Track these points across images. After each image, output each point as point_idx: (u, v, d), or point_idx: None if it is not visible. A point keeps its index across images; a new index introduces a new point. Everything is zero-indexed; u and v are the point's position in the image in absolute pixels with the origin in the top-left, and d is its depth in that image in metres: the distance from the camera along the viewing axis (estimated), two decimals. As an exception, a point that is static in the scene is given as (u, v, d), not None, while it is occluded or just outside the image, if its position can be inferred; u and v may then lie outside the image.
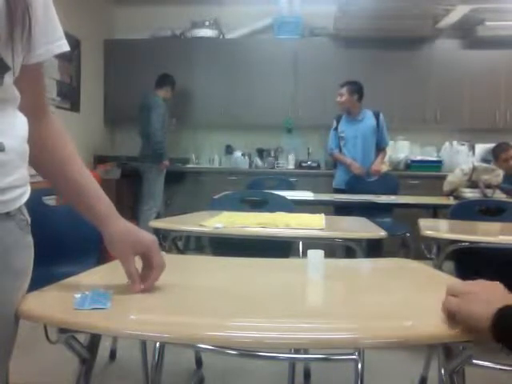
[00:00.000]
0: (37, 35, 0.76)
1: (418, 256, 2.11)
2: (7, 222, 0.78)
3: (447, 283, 0.79)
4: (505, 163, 3.81)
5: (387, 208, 3.66)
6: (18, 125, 0.79)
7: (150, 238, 0.95)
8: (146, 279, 0.93)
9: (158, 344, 1.34)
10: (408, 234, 3.38)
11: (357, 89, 4.17)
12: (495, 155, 3.97)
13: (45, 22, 0.78)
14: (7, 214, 0.77)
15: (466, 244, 1.91)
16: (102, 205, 0.93)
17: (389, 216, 3.76)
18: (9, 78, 0.73)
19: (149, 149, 4.78)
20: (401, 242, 3.54)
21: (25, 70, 0.77)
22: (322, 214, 2.24)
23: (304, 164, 5.69)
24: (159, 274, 0.93)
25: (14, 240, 0.79)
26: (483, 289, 0.74)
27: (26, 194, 0.82)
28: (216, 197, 2.72)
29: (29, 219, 0.84)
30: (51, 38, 0.80)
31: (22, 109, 0.80)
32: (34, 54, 0.78)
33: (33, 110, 0.84)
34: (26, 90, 0.79)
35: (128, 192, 5.22)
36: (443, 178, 3.67)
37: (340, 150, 4.27)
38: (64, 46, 0.83)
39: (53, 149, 0.90)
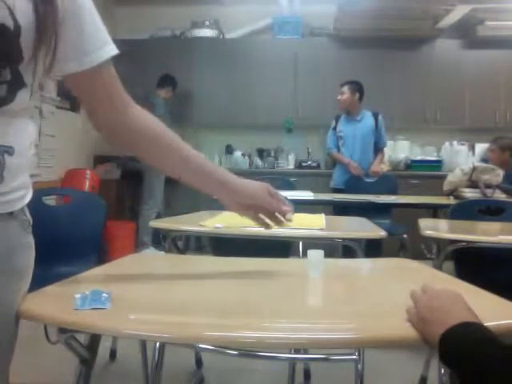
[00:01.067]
0: (79, 44, 0.80)
1: (418, 256, 2.11)
2: (11, 222, 0.79)
3: (411, 289, 0.78)
4: (491, 154, 3.84)
5: (385, 209, 3.64)
6: (27, 133, 0.82)
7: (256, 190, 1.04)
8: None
9: (158, 344, 1.34)
10: (405, 236, 3.36)
11: (358, 88, 4.19)
12: (491, 148, 3.99)
13: (89, 31, 0.82)
14: (11, 213, 0.79)
15: (466, 244, 1.91)
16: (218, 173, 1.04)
17: (387, 217, 3.74)
18: (24, 94, 0.76)
19: None
20: (399, 243, 3.53)
21: (82, 76, 0.82)
22: (322, 214, 2.24)
23: (304, 164, 5.69)
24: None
25: (17, 240, 0.80)
26: (440, 304, 0.72)
27: (28, 194, 0.84)
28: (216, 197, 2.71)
29: (31, 220, 0.85)
30: (97, 45, 0.83)
31: (103, 108, 0.89)
32: (82, 62, 0.81)
33: (115, 107, 0.91)
34: (93, 93, 0.87)
35: (128, 192, 5.23)
36: (443, 177, 3.67)
37: (338, 150, 4.27)
38: (111, 51, 0.85)
39: (154, 135, 0.97)
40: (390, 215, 3.82)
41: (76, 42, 0.80)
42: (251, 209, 1.04)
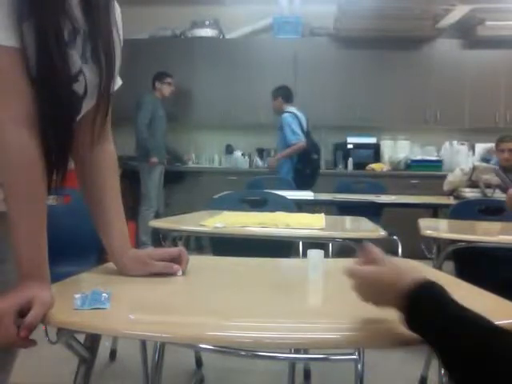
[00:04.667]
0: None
1: (418, 256, 2.11)
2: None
3: (346, 266, 0.80)
4: (501, 154, 3.83)
5: (375, 209, 3.57)
6: None
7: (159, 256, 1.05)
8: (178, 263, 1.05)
9: (158, 344, 1.34)
10: (395, 237, 3.28)
11: (277, 93, 4.68)
12: (496, 144, 3.98)
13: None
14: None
15: (466, 244, 1.91)
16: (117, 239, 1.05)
17: (378, 218, 3.65)
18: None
19: (140, 147, 4.79)
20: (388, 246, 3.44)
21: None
22: (322, 214, 2.24)
23: (304, 164, 5.68)
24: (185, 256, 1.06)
25: None
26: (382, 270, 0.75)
27: None
28: (216, 197, 2.71)
29: None
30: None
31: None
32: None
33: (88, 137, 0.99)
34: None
35: (128, 192, 5.22)
36: (443, 177, 3.67)
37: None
38: (119, 83, 1.01)
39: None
40: (379, 216, 3.74)
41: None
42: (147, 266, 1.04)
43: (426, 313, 0.66)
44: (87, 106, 0.90)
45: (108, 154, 1.05)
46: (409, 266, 0.76)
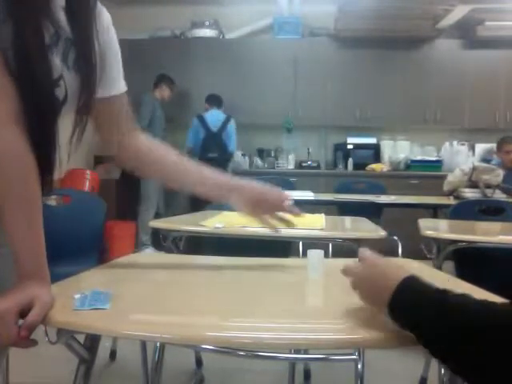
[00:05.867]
0: (108, 76, 0.98)
1: (418, 256, 2.11)
2: None
3: (343, 267, 0.83)
4: (506, 156, 3.82)
5: (375, 209, 3.57)
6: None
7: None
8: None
9: (158, 344, 1.34)
10: (395, 237, 3.27)
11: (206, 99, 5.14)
12: (499, 146, 3.98)
13: (116, 70, 1.01)
14: None
15: (466, 244, 1.91)
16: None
17: (377, 218, 3.65)
18: None
19: None
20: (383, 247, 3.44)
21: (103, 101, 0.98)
22: (322, 214, 2.24)
23: (304, 164, 5.69)
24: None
25: None
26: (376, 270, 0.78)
27: None
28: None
29: None
30: (118, 77, 1.02)
31: (110, 133, 1.05)
32: (107, 90, 0.99)
33: (121, 132, 1.06)
34: (106, 117, 1.03)
35: (128, 192, 5.22)
36: (443, 177, 3.66)
37: None
38: (121, 88, 1.03)
39: (158, 157, 1.10)
40: (379, 216, 3.74)
41: (106, 75, 0.97)
42: (258, 206, 1.12)
43: (408, 304, 0.69)
44: (66, 111, 0.89)
45: (143, 140, 1.11)
46: (397, 265, 0.78)
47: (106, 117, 1.02)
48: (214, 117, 4.99)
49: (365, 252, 0.83)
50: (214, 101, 5.12)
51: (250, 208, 1.13)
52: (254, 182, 1.14)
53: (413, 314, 0.67)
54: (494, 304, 0.62)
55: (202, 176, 1.11)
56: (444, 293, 0.67)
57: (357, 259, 0.85)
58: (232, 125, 5.00)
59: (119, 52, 1.02)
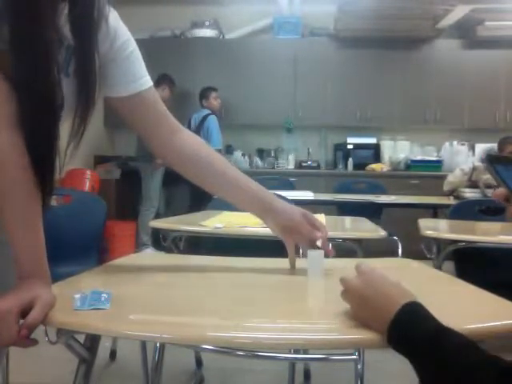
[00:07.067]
0: (118, 76, 0.99)
1: (418, 256, 2.11)
2: None
3: (341, 277, 0.80)
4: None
5: (375, 209, 3.56)
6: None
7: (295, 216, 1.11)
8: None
9: (158, 344, 1.34)
10: (395, 237, 3.27)
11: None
12: (500, 147, 3.97)
13: (126, 66, 1.00)
14: None
15: (466, 244, 1.91)
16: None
17: (377, 218, 3.64)
18: None
19: (142, 148, 4.78)
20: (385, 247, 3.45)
21: (126, 101, 1.02)
22: (322, 214, 2.23)
23: (304, 164, 5.69)
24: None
25: None
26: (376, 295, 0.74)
27: None
28: (216, 197, 2.71)
29: None
30: (133, 78, 1.01)
31: (150, 133, 1.07)
32: (119, 90, 1.01)
33: (161, 132, 1.07)
34: (141, 117, 1.06)
35: (128, 192, 5.22)
36: (443, 177, 3.67)
37: None
38: (146, 83, 1.03)
39: (205, 161, 1.09)
40: (379, 216, 3.74)
41: (124, 72, 1.00)
42: (290, 236, 1.12)
43: (406, 332, 0.68)
44: (65, 117, 0.89)
45: (194, 138, 1.11)
46: (400, 288, 0.75)
47: (139, 114, 1.04)
48: (197, 115, 5.03)
49: (362, 267, 0.79)
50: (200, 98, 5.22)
51: (281, 235, 1.13)
52: (294, 206, 1.13)
53: (410, 351, 0.68)
54: (496, 359, 0.60)
55: (246, 191, 1.13)
56: (441, 335, 0.65)
57: (357, 259, 0.84)
58: (211, 121, 4.92)
59: (136, 48, 1.03)
